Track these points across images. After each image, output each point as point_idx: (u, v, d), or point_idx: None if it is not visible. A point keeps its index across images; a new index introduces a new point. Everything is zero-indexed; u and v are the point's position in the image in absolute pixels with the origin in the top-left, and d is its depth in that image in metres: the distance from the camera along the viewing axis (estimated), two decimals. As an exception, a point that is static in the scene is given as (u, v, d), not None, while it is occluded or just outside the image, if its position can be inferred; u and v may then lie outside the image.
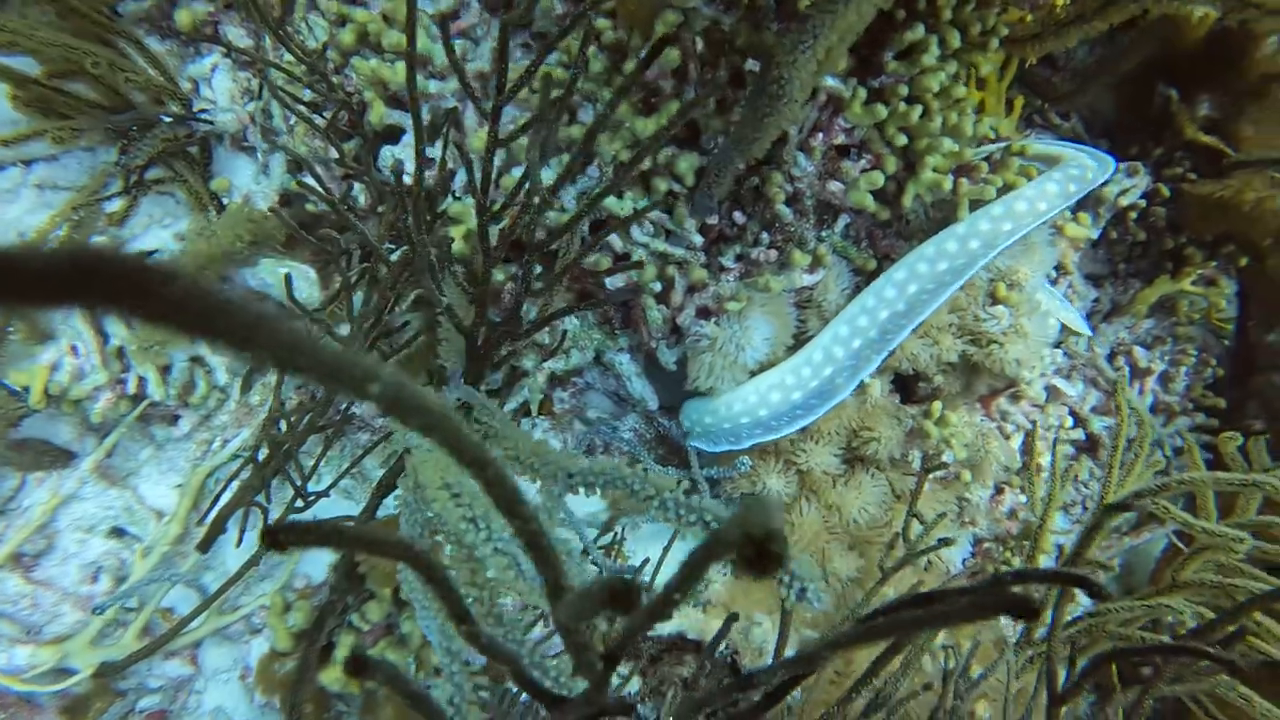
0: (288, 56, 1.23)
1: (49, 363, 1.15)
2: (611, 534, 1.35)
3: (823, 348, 1.23)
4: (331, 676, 1.12)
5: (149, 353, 1.14)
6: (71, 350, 1.14)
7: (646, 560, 1.12)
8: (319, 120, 1.16)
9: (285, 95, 1.21)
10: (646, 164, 1.16)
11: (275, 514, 1.20)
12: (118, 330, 1.15)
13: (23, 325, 1.13)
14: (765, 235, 1.24)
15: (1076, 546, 1.09)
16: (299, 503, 1.17)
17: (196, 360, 1.21)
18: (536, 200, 0.92)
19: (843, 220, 1.29)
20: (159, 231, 1.26)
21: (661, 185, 1.18)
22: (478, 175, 0.95)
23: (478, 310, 1.02)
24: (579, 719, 0.47)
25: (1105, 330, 1.68)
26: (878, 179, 1.19)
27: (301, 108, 1.23)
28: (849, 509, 1.28)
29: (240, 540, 1.17)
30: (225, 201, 1.27)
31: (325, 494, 1.16)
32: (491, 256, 0.97)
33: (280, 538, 0.30)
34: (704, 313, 1.27)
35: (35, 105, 1.19)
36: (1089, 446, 1.66)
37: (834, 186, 1.22)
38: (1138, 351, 1.69)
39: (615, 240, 1.22)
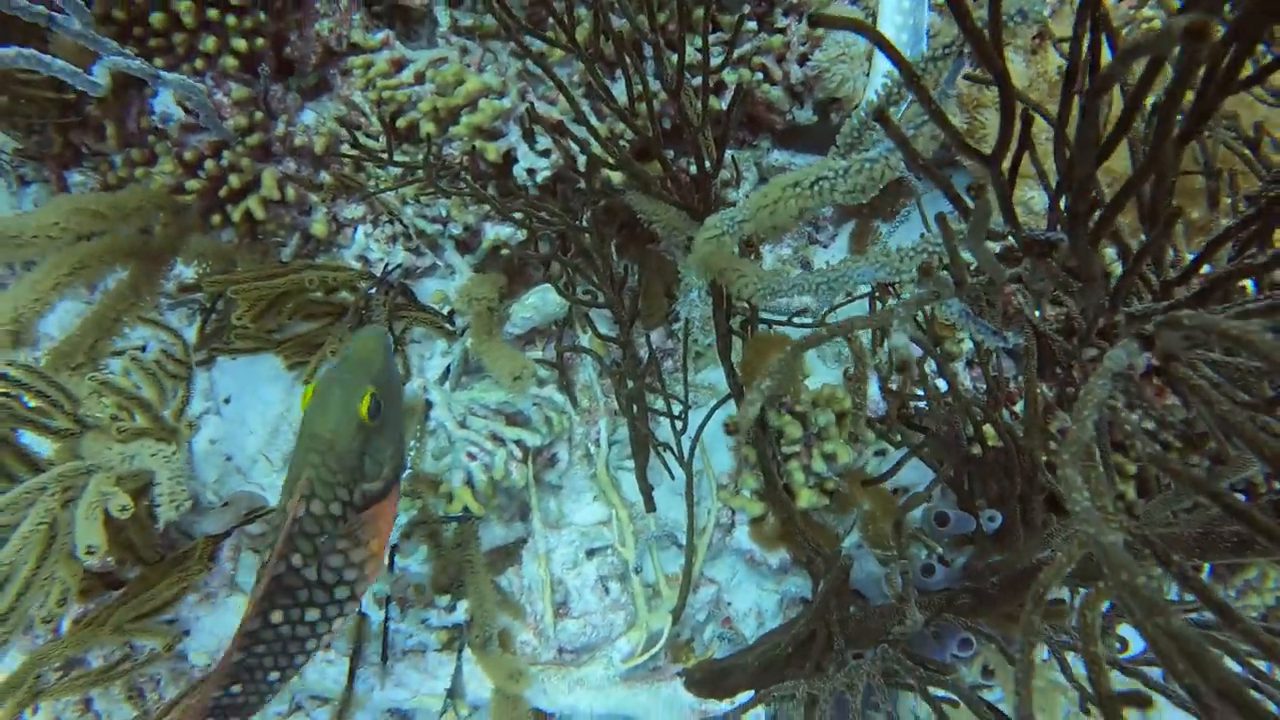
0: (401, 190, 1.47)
1: (463, 483, 1.42)
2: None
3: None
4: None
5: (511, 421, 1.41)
6: (470, 456, 1.40)
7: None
8: (463, 188, 1.38)
9: (418, 219, 1.47)
10: None
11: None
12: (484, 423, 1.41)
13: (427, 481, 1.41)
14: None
15: None
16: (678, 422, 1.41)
17: (538, 404, 1.46)
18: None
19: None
20: (438, 358, 1.52)
21: None
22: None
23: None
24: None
25: None
26: None
27: (439, 204, 1.48)
28: None
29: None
30: (449, 307, 1.51)
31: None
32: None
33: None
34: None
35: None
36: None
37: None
38: None
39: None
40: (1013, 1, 0.79)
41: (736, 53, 1.41)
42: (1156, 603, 0.39)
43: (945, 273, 0.83)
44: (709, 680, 1.35)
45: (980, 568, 1.32)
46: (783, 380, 1.38)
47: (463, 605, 1.39)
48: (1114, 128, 0.65)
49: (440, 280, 1.58)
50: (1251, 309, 0.74)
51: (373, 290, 1.50)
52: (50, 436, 0.99)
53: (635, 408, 1.45)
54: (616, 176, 1.40)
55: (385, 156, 1.42)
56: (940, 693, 1.08)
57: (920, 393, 1.51)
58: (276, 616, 0.82)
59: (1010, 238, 0.86)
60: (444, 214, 1.49)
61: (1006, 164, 0.74)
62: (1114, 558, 0.41)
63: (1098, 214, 0.77)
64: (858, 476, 1.46)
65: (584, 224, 1.41)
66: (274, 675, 0.84)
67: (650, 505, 1.48)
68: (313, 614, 0.84)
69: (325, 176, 1.54)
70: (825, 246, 1.62)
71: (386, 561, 1.44)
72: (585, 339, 1.48)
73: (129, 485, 1.08)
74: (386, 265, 1.52)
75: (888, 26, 1.32)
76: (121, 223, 1.22)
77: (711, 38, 1.41)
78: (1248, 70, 0.62)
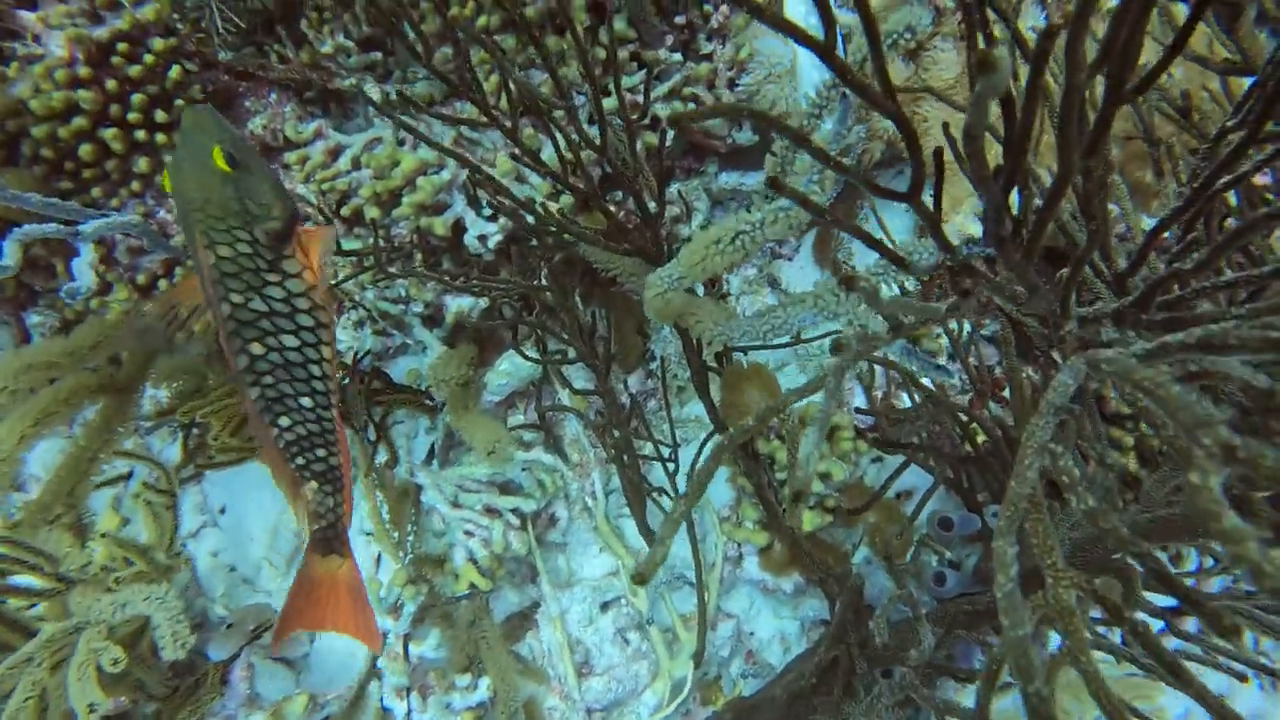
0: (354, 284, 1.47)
1: (466, 560, 1.41)
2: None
3: None
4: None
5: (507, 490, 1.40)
6: (468, 534, 1.39)
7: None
8: (415, 271, 1.37)
9: (378, 306, 1.46)
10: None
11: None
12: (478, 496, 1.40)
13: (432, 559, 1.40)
14: None
15: None
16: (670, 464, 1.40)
17: (528, 468, 1.45)
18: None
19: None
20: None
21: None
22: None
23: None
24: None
25: None
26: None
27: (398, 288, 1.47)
28: None
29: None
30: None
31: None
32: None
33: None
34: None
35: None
36: None
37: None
38: None
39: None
40: (898, 21, 0.77)
41: (666, 85, 1.40)
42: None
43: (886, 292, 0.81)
44: (738, 719, 1.34)
45: (991, 567, 1.30)
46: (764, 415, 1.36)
47: (484, 682, 1.38)
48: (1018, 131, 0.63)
49: (413, 357, 1.57)
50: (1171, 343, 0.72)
51: (346, 380, 1.49)
52: (35, 600, 0.99)
53: (625, 456, 1.44)
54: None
55: (336, 248, 1.41)
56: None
57: (905, 397, 1.49)
58: (256, 349, 0.91)
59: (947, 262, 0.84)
60: (404, 294, 1.48)
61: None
62: (1017, 658, 0.40)
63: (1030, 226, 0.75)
64: (858, 489, 1.44)
65: (543, 281, 1.40)
66: (305, 400, 0.94)
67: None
68: (289, 340, 0.92)
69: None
70: (790, 259, 1.61)
71: (403, 651, 1.43)
72: (564, 395, 1.47)
73: (126, 630, 1.08)
74: (355, 353, 1.51)
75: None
76: (82, 362, 1.21)
77: (638, 76, 1.40)
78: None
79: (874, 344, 0.67)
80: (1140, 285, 0.78)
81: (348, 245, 1.54)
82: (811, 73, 1.31)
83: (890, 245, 0.78)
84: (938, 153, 0.71)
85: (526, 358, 1.34)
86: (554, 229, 1.18)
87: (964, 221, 1.35)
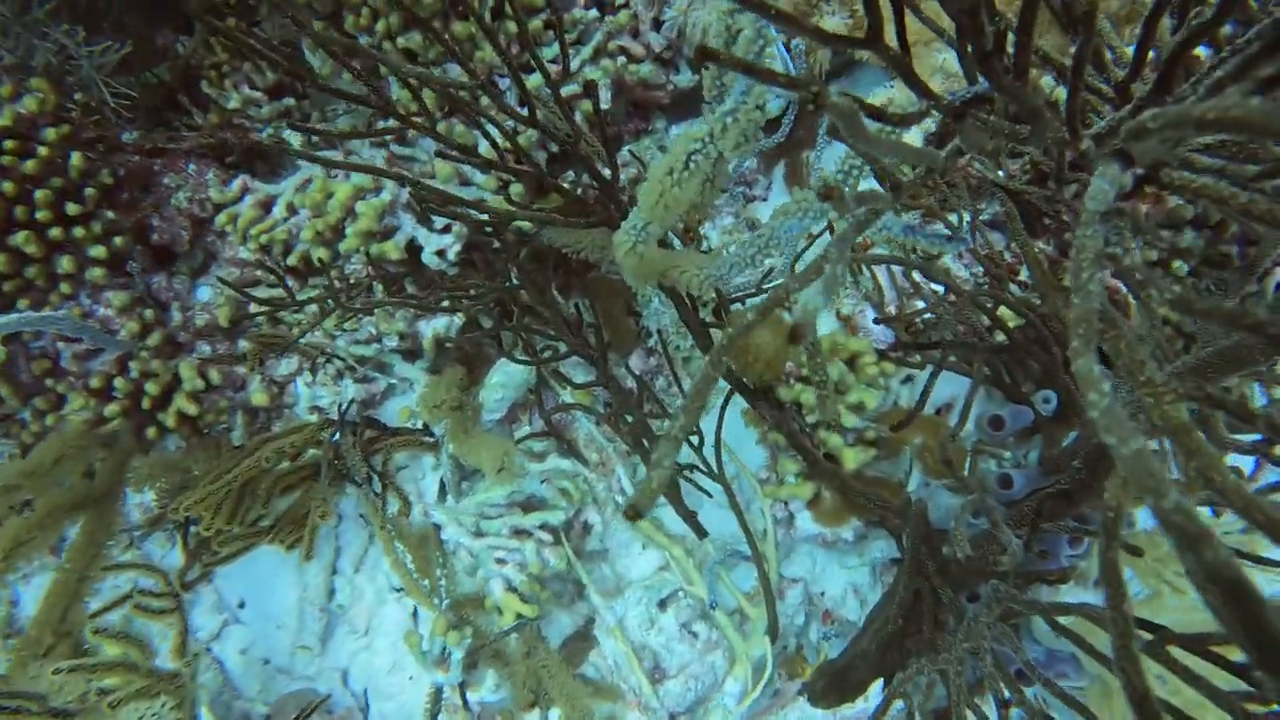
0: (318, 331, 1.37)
1: (505, 590, 1.31)
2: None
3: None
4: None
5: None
6: (500, 562, 1.29)
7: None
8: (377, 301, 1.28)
9: (346, 353, 1.37)
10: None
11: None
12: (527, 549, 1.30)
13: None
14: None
15: None
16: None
17: (547, 479, 1.35)
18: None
19: None
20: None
21: None
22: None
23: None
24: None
25: None
26: None
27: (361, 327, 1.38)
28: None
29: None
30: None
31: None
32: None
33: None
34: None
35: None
36: None
37: None
38: None
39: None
40: None
41: (590, 46, 1.31)
42: (1190, 531, 0.28)
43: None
44: (832, 685, 1.24)
45: (1057, 456, 1.21)
46: (770, 303, 1.27)
47: (555, 714, 1.28)
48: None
49: (403, 397, 1.48)
50: (1222, 77, 0.63)
51: (337, 436, 1.39)
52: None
53: (645, 442, 1.34)
54: (527, 224, 1.30)
55: (291, 301, 1.32)
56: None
57: (921, 305, 1.40)
58: None
59: (934, 112, 0.75)
60: (375, 331, 1.39)
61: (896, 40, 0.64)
62: (1140, 476, 0.30)
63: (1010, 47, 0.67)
64: (895, 414, 1.35)
65: (515, 281, 1.31)
66: None
67: (700, 531, 1.36)
68: None
69: (244, 344, 1.44)
70: (764, 199, 1.52)
71: (462, 701, 1.33)
72: (567, 394, 1.38)
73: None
74: (340, 406, 1.41)
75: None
76: (48, 482, 1.12)
77: (556, 45, 1.32)
78: None
79: (872, 204, 0.58)
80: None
81: (303, 296, 1.45)
82: None
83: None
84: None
85: (517, 361, 1.25)
86: (510, 220, 1.09)
87: (940, 60, 1.27)
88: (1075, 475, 1.11)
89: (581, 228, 1.17)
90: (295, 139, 1.47)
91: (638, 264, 0.95)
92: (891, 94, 1.28)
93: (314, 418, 1.44)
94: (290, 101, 1.50)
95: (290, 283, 1.45)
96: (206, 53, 1.49)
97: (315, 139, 1.46)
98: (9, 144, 1.27)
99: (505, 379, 1.34)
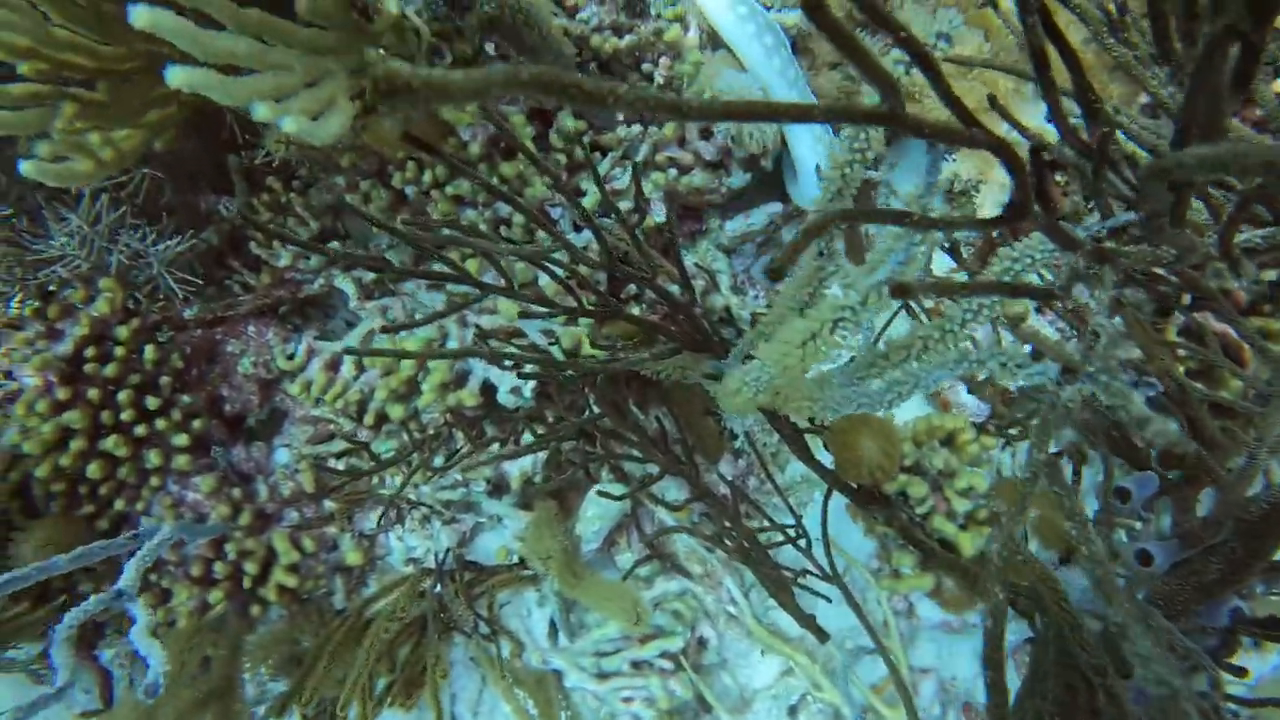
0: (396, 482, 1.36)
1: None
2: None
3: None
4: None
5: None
6: (626, 701, 1.25)
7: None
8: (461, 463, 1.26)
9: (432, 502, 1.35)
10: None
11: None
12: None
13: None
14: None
15: None
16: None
17: (658, 603, 1.32)
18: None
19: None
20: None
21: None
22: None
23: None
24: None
25: None
26: None
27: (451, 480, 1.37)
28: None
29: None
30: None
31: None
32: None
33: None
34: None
35: None
36: None
37: None
38: None
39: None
40: (928, 27, 0.65)
41: (639, 159, 1.29)
42: None
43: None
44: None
45: (1194, 525, 1.15)
46: (882, 456, 1.23)
47: None
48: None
49: (493, 533, 1.46)
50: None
51: (438, 587, 1.38)
52: None
53: (750, 549, 1.30)
54: (590, 350, 1.28)
55: (376, 467, 1.30)
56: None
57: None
58: None
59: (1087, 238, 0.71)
60: (460, 476, 1.37)
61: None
62: None
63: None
64: (1006, 487, 1.29)
65: (593, 410, 1.28)
66: None
67: (821, 634, 1.32)
68: None
69: (330, 505, 1.44)
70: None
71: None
72: (662, 513, 1.34)
73: None
74: (436, 555, 1.40)
75: (759, 65, 1.19)
76: (173, 688, 1.11)
77: (605, 163, 1.30)
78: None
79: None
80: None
81: (381, 447, 1.44)
82: (788, 92, 1.20)
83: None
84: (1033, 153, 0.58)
85: (611, 498, 1.22)
86: (593, 370, 1.06)
87: (1004, 175, 1.22)
88: (1232, 543, 1.05)
89: (665, 356, 1.15)
90: (349, 285, 1.46)
91: (744, 404, 0.92)
92: (955, 168, 1.24)
93: (410, 569, 1.43)
94: (336, 245, 1.50)
95: (366, 433, 1.45)
96: (250, 213, 1.50)
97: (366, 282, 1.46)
98: (90, 352, 1.28)
99: (600, 511, 1.31)
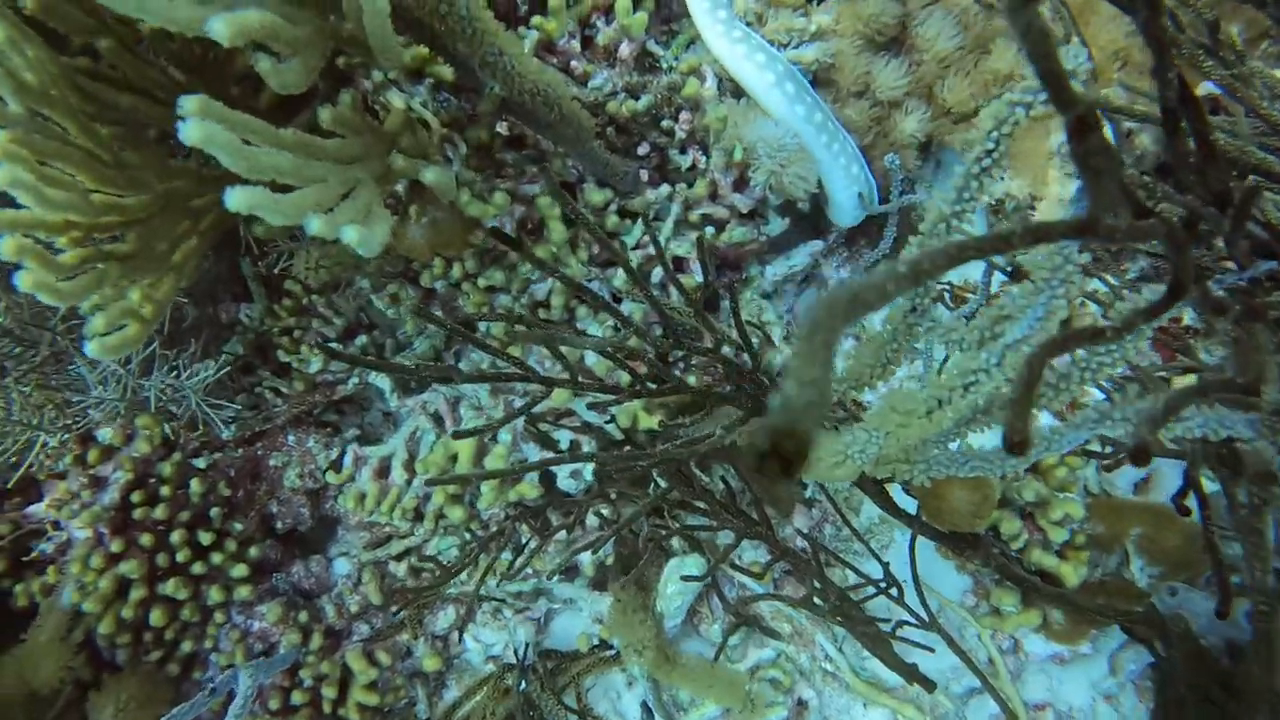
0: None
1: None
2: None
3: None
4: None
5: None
6: None
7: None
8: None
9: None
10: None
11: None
12: None
13: None
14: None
15: None
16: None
17: (755, 673, 1.27)
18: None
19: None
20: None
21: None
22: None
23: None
24: None
25: None
26: None
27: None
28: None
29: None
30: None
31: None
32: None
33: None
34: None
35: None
36: None
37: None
38: None
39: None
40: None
41: (669, 223, 1.23)
42: None
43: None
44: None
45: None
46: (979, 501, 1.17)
47: None
48: None
49: (570, 616, 1.41)
50: None
51: (523, 685, 1.33)
52: None
53: (838, 605, 1.25)
54: (649, 422, 1.23)
55: (443, 577, 1.26)
56: None
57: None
58: None
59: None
60: (530, 570, 1.32)
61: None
62: None
63: None
64: (1103, 505, 1.23)
65: (660, 485, 1.23)
66: None
67: (928, 684, 1.26)
68: None
69: (400, 613, 1.39)
70: (875, 305, 1.42)
71: None
72: (744, 580, 1.29)
73: None
74: (515, 651, 1.35)
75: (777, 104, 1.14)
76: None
77: (637, 231, 1.24)
78: None
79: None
80: None
81: (442, 544, 1.39)
82: (818, 137, 1.14)
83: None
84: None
85: (694, 580, 1.17)
86: (666, 461, 1.01)
87: (1060, 190, 1.16)
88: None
89: (736, 426, 1.10)
90: (384, 381, 1.42)
91: (834, 472, 0.87)
92: (1007, 186, 1.18)
93: (489, 666, 1.38)
94: (364, 340, 1.45)
95: (424, 532, 1.40)
96: (273, 319, 1.46)
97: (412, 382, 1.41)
98: (137, 496, 1.24)
99: (681, 586, 1.26)
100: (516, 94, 0.99)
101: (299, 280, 1.29)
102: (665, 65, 1.23)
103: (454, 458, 1.23)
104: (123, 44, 0.98)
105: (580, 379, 1.05)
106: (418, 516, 1.32)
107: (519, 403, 1.32)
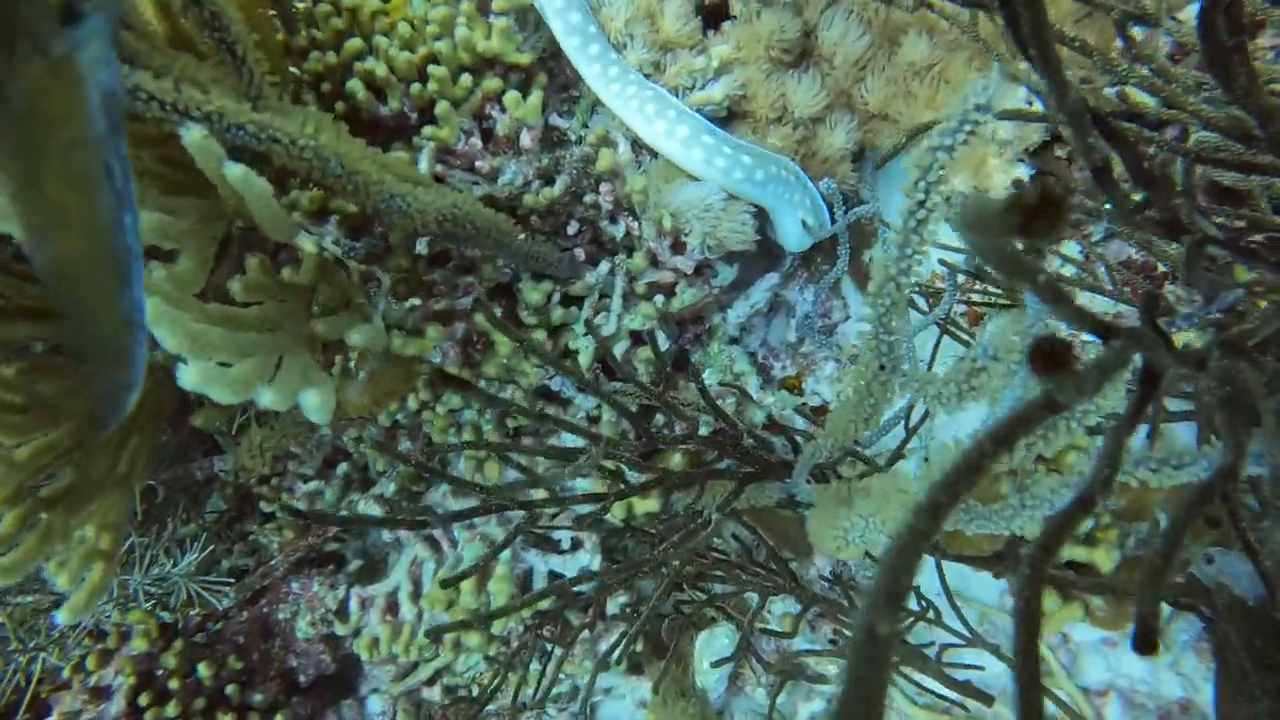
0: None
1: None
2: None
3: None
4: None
5: None
6: None
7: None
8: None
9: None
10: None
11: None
12: None
13: None
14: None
15: None
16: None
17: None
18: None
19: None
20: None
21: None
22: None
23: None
24: None
25: None
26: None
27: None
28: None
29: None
30: None
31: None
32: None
33: None
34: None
35: None
36: None
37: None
38: None
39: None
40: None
41: (618, 300, 1.18)
42: None
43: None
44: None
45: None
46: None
47: None
48: None
49: (613, 702, 1.38)
50: None
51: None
52: None
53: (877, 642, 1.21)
54: (647, 506, 1.19)
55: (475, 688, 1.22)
56: None
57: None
58: None
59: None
60: (563, 675, 1.29)
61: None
62: None
63: None
64: (1127, 491, 1.19)
65: (675, 565, 1.19)
66: None
67: (986, 698, 1.23)
68: None
69: (440, 739, 1.36)
70: (845, 319, 1.37)
71: None
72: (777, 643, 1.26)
73: None
74: (565, 754, 1.32)
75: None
76: None
77: (585, 309, 1.19)
78: None
79: None
80: None
81: (469, 661, 1.36)
82: (751, 189, 1.09)
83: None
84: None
85: (726, 661, 1.13)
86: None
87: (1002, 179, 1.11)
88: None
89: (729, 502, 1.06)
90: (374, 508, 1.38)
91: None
92: (953, 185, 1.13)
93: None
94: (345, 467, 1.41)
95: (448, 657, 1.36)
96: (246, 472, 1.41)
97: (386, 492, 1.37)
98: (144, 699, 1.20)
99: (717, 656, 1.22)
100: (422, 227, 0.93)
101: (248, 469, 1.24)
102: (574, 136, 1.17)
103: (449, 604, 1.19)
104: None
105: (561, 496, 1.01)
106: (435, 642, 1.29)
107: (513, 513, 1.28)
